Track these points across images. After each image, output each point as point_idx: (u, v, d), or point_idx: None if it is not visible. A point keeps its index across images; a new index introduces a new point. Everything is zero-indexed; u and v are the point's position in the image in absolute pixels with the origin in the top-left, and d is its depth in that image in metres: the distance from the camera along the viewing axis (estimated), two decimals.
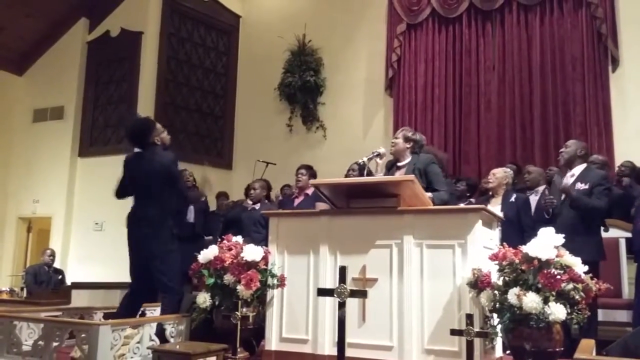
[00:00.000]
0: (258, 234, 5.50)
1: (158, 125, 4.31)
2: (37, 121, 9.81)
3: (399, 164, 4.30)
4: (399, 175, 4.06)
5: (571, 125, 7.18)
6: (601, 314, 4.57)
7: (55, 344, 3.36)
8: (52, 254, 8.23)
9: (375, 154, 4.23)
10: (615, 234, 4.97)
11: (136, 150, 4.31)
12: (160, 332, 3.75)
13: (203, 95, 9.91)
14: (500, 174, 5.28)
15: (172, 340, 3.79)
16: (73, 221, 9.24)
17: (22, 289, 8.09)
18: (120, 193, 4.39)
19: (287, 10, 9.84)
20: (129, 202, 4.47)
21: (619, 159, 6.68)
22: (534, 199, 5.27)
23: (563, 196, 4.42)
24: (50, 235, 9.26)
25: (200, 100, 9.85)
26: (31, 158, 9.70)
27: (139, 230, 4.12)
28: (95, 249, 8.66)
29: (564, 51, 7.45)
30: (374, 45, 8.91)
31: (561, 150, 4.68)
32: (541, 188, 5.46)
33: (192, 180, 6.45)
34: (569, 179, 4.51)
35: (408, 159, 4.27)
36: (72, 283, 7.36)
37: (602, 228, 4.52)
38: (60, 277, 8.14)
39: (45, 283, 7.86)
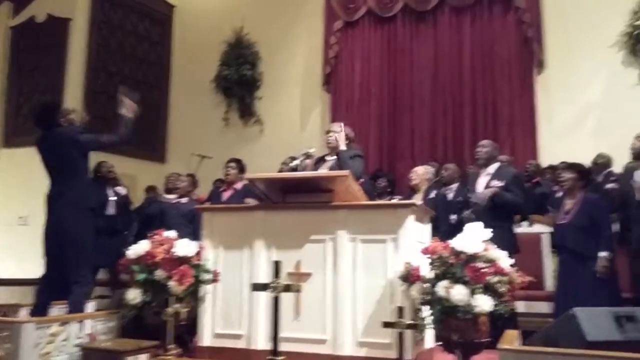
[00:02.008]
0: (185, 229, 5.39)
1: (64, 108, 4.29)
2: None
3: (327, 157, 4.36)
4: (327, 170, 4.10)
5: (498, 124, 7.48)
6: (524, 306, 4.79)
7: None
8: None
9: (305, 155, 4.27)
10: (538, 229, 5.23)
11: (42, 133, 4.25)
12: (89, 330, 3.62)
13: (136, 86, 9.55)
14: (421, 171, 5.52)
15: (101, 337, 3.67)
16: None
17: None
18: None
19: (223, 1, 9.70)
20: None
21: (543, 158, 7.05)
22: (449, 195, 5.57)
23: (482, 185, 4.61)
24: None
25: (134, 89, 9.52)
26: None
27: (58, 211, 4.03)
28: (19, 244, 8.24)
29: (493, 53, 7.74)
30: (312, 41, 8.92)
31: (478, 149, 4.86)
32: (455, 185, 5.71)
33: (113, 172, 6.27)
34: (484, 177, 4.70)
35: (335, 155, 4.34)
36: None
37: (525, 222, 4.75)
38: None
39: None
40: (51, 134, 4.20)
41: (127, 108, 4.49)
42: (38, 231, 7.73)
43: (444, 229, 4.73)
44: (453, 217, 5.05)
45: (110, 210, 5.95)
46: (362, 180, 4.44)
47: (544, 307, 4.84)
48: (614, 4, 7.12)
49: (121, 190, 6.25)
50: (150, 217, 5.81)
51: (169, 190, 6.12)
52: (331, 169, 4.21)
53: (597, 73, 7.21)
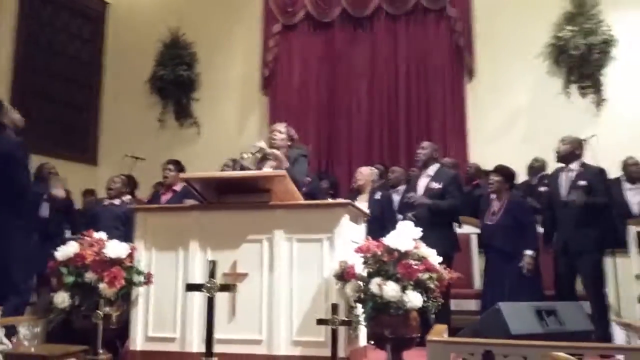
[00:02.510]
0: (117, 231, 5.25)
1: (7, 105, 4.03)
2: None
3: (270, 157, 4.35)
4: (270, 169, 4.11)
5: (432, 129, 7.72)
6: (453, 304, 4.94)
7: None
8: None
9: (257, 149, 4.24)
10: (468, 230, 5.43)
11: None
12: (13, 335, 3.47)
13: (66, 85, 9.25)
14: (366, 172, 5.59)
15: (26, 343, 3.51)
16: None
17: None
18: None
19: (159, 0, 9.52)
20: None
21: (473, 162, 7.31)
22: (396, 197, 5.62)
23: (422, 188, 4.75)
24: None
25: (63, 90, 9.19)
26: None
27: None
28: None
29: (426, 60, 7.99)
30: (250, 43, 8.90)
31: (418, 151, 5.02)
32: (402, 187, 5.84)
33: (54, 174, 6.03)
34: (424, 179, 4.86)
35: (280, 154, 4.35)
36: None
37: (455, 224, 4.92)
38: None
39: None
40: None
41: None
42: None
43: (391, 231, 4.77)
44: (400, 217, 5.13)
45: (44, 212, 5.68)
46: (309, 179, 4.43)
47: (473, 305, 5.02)
48: (539, 17, 7.52)
49: (58, 192, 5.96)
50: (88, 220, 5.58)
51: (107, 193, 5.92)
52: (274, 168, 4.20)
53: (524, 81, 7.60)
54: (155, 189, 6.94)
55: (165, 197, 5.57)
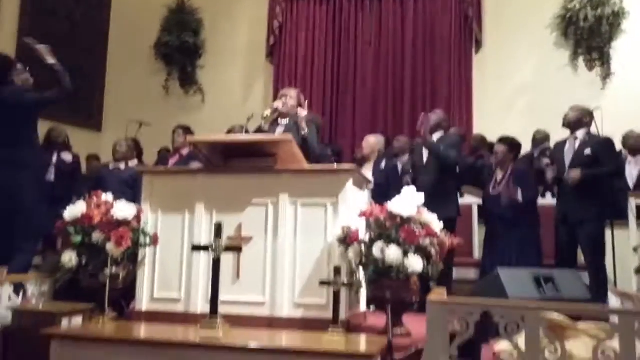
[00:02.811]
0: (123, 195, 5.31)
1: (19, 66, 4.11)
2: None
3: (280, 121, 4.38)
4: (277, 134, 4.13)
5: (437, 101, 7.70)
6: (455, 273, 5.03)
7: None
8: None
9: (273, 109, 4.28)
10: (469, 200, 5.48)
11: None
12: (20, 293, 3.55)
13: (70, 50, 9.20)
14: (372, 141, 5.62)
15: (34, 301, 3.60)
16: None
17: None
18: None
19: None
20: None
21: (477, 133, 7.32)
22: (399, 167, 5.66)
23: (426, 156, 4.78)
24: None
25: (68, 55, 9.13)
26: None
27: (6, 178, 3.92)
28: None
29: (434, 31, 7.93)
30: (256, 10, 8.83)
31: (430, 113, 5.05)
32: (405, 157, 5.87)
33: (64, 136, 6.09)
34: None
35: (288, 119, 4.37)
36: None
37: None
38: None
39: None
40: (3, 90, 4.05)
41: (47, 54, 4.36)
42: None
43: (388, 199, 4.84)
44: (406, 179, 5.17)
45: (50, 176, 5.74)
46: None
47: (472, 274, 5.10)
48: None
49: (66, 156, 6.03)
50: (95, 184, 5.62)
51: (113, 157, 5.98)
52: (297, 131, 4.23)
53: (531, 53, 7.56)
54: (161, 154, 6.99)
55: (173, 160, 5.66)
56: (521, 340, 2.39)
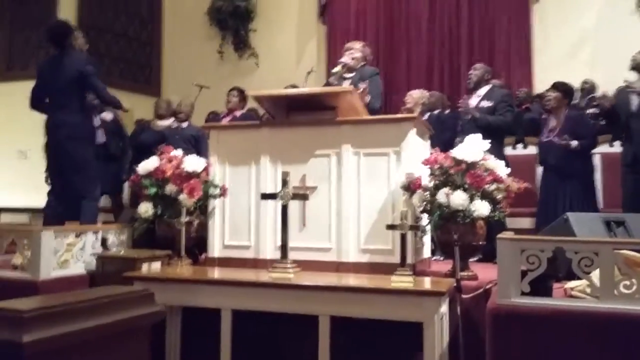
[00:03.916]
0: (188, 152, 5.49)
1: (76, 32, 4.40)
2: None
3: (345, 75, 4.42)
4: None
5: (495, 54, 7.52)
6: (508, 222, 4.95)
7: None
8: None
9: (341, 64, 4.34)
10: (532, 150, 5.38)
11: (52, 55, 4.43)
12: (102, 241, 3.79)
13: (129, 19, 9.46)
14: (416, 95, 5.62)
15: (113, 249, 3.82)
16: None
17: None
18: (33, 101, 4.49)
19: None
20: None
21: (538, 87, 7.13)
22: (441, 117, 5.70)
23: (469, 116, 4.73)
24: None
25: (126, 24, 9.42)
26: None
27: (59, 134, 4.23)
28: (21, 177, 8.33)
29: None
30: None
31: (470, 72, 4.97)
32: (437, 110, 5.83)
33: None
34: (475, 99, 4.81)
35: (353, 73, 4.41)
36: (1, 208, 7.13)
37: (520, 144, 4.90)
38: None
39: None
40: (60, 58, 4.30)
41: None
42: (38, 164, 7.87)
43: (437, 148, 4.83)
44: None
45: (100, 138, 5.97)
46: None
47: (527, 223, 5.03)
48: None
49: (106, 115, 6.21)
50: (144, 145, 5.80)
51: (160, 117, 6.15)
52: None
53: (593, 1, 7.22)
54: (209, 118, 7.17)
55: (225, 120, 5.80)
56: (594, 276, 2.39)
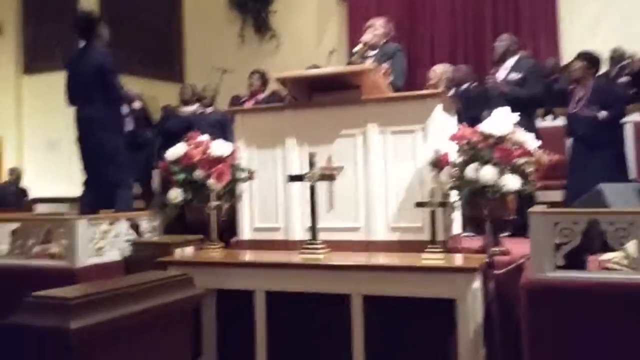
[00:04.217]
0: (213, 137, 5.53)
1: (102, 22, 4.50)
2: None
3: (367, 53, 4.38)
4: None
5: (520, 24, 7.36)
6: (541, 195, 4.90)
7: (32, 240, 3.42)
8: (18, 175, 8.09)
9: (363, 42, 4.31)
10: (562, 122, 5.28)
11: (78, 47, 4.49)
12: (135, 229, 3.86)
13: (149, 6, 9.50)
14: (439, 70, 5.53)
15: (146, 235, 3.89)
16: (25, 141, 8.99)
17: None
18: (70, 98, 4.56)
19: None
20: None
21: (565, 56, 6.96)
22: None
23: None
24: (1, 157, 9.02)
25: (147, 11, 9.46)
26: None
27: (87, 127, 4.33)
28: (50, 168, 8.52)
29: None
30: None
31: (495, 44, 4.86)
32: (465, 85, 5.73)
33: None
34: (503, 71, 4.71)
35: (376, 50, 4.37)
36: (34, 198, 7.30)
37: (550, 116, 4.80)
38: (25, 197, 8.04)
39: (12, 205, 7.75)
40: (84, 51, 4.36)
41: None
42: (68, 154, 8.02)
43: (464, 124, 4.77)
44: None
45: (128, 126, 6.05)
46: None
47: (558, 196, 4.96)
48: None
49: (135, 104, 6.29)
50: (171, 131, 5.88)
51: (185, 102, 6.20)
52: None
53: None
54: (233, 101, 7.19)
55: (248, 104, 5.81)
56: (630, 247, 2.36)
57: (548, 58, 6.83)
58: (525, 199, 3.31)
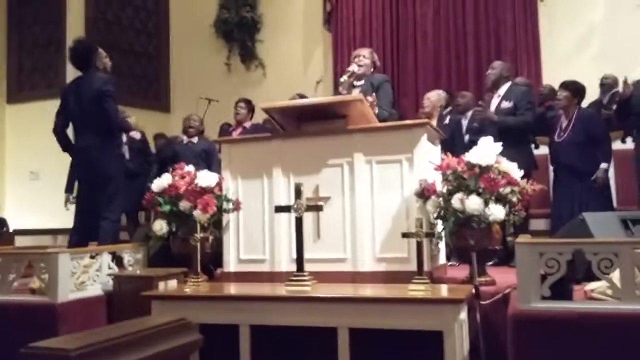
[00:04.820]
0: (198, 168, 5.51)
1: (100, 50, 4.34)
2: None
3: (355, 83, 4.41)
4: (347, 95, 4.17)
5: (502, 53, 7.47)
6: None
7: (12, 275, 3.35)
8: None
9: (349, 73, 4.33)
10: (544, 150, 5.34)
11: (75, 77, 4.39)
12: (118, 261, 3.80)
13: (135, 35, 9.54)
14: (434, 97, 5.54)
15: (129, 268, 3.84)
16: (6, 171, 8.88)
17: None
18: (57, 127, 4.43)
19: None
20: (63, 152, 4.51)
21: (546, 83, 7.07)
22: (465, 123, 5.56)
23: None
24: None
25: (133, 40, 9.49)
26: None
27: (86, 157, 4.24)
28: (32, 199, 8.41)
29: None
30: None
31: (488, 72, 4.93)
32: (470, 113, 5.76)
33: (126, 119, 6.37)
34: (495, 99, 4.77)
35: (362, 80, 4.40)
36: (15, 230, 7.18)
37: (532, 145, 4.85)
38: (4, 228, 7.90)
39: None
40: (83, 80, 4.30)
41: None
42: (49, 185, 7.95)
43: (459, 154, 4.78)
44: (467, 137, 5.11)
45: (125, 155, 6.03)
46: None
47: (542, 224, 5.00)
48: None
49: (135, 134, 6.34)
50: (165, 160, 5.88)
51: (186, 132, 6.20)
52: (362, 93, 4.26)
53: None
54: (223, 129, 7.20)
55: (236, 133, 5.81)
56: (615, 277, 2.36)
57: (544, 84, 6.84)
58: (516, 227, 3.32)
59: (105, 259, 3.65)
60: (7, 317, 3.27)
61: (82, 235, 4.16)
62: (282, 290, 3.19)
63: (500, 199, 3.18)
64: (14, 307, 3.28)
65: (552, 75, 7.10)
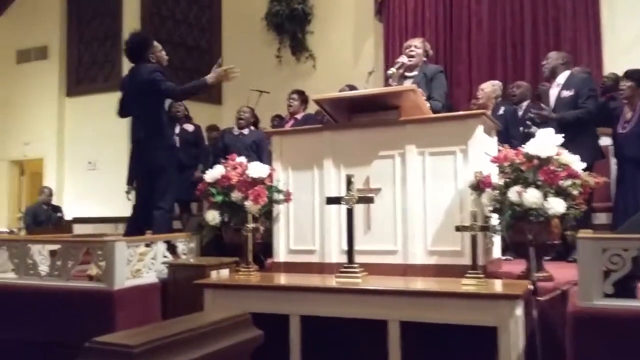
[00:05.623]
0: (249, 159, 5.55)
1: (155, 43, 4.37)
2: (21, 62, 9.63)
3: (407, 74, 4.32)
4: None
5: (561, 42, 7.20)
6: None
7: (71, 262, 3.47)
8: (50, 193, 8.28)
9: (398, 64, 4.26)
10: (605, 142, 5.11)
11: (130, 69, 4.46)
12: (172, 250, 3.88)
13: (188, 29, 9.72)
14: (488, 88, 5.39)
15: (183, 257, 3.91)
16: (65, 161, 9.24)
17: (19, 229, 8.13)
18: (120, 111, 4.57)
19: None
20: (120, 142, 4.62)
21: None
22: (519, 112, 5.38)
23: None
24: (43, 177, 9.28)
25: (186, 34, 9.68)
26: (18, 100, 9.57)
27: (139, 148, 4.32)
28: (90, 188, 8.72)
29: None
30: None
31: (543, 62, 4.77)
32: (525, 103, 5.57)
33: (183, 110, 6.48)
34: (555, 89, 4.60)
35: (417, 71, 4.31)
36: (73, 218, 7.45)
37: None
38: (59, 214, 8.22)
39: (45, 222, 7.93)
40: (134, 71, 4.35)
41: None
42: (106, 174, 8.21)
43: (515, 145, 4.64)
44: (522, 128, 4.95)
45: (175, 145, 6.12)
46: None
47: (604, 219, 4.79)
48: None
49: (188, 127, 6.46)
50: (217, 152, 5.98)
51: (237, 124, 6.27)
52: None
53: None
54: (274, 121, 7.23)
55: (288, 125, 5.81)
56: None
57: (608, 73, 6.49)
58: (578, 220, 3.18)
59: (161, 247, 3.72)
60: (66, 303, 3.39)
61: (138, 224, 4.25)
62: (332, 281, 3.17)
63: (560, 192, 3.06)
64: (72, 293, 3.39)
65: (614, 65, 6.78)
